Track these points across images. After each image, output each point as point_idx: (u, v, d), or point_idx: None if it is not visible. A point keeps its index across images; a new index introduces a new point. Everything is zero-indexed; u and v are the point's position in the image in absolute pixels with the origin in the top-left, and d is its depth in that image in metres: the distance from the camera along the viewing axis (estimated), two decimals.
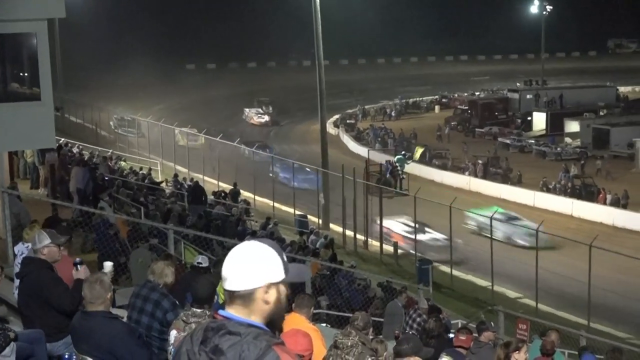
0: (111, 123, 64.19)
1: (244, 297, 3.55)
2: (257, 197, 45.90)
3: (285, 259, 3.64)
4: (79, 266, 8.75)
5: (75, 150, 40.80)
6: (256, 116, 79.05)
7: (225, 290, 3.59)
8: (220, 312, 3.59)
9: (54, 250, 8.92)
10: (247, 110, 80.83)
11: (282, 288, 3.63)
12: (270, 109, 79.54)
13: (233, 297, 3.57)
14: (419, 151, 50.67)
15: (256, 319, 3.55)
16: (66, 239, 9.67)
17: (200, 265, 13.11)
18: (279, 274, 3.59)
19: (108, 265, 9.35)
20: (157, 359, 7.54)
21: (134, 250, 17.83)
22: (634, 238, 41.42)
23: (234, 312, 3.56)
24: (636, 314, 29.40)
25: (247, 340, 3.43)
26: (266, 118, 78.60)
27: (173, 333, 7.43)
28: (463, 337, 11.36)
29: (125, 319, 8.58)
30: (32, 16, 19.10)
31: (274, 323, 3.62)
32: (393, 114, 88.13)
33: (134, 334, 7.38)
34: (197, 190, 35.01)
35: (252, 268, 3.54)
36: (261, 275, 3.55)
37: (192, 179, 41.93)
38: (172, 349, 7.31)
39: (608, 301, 31.47)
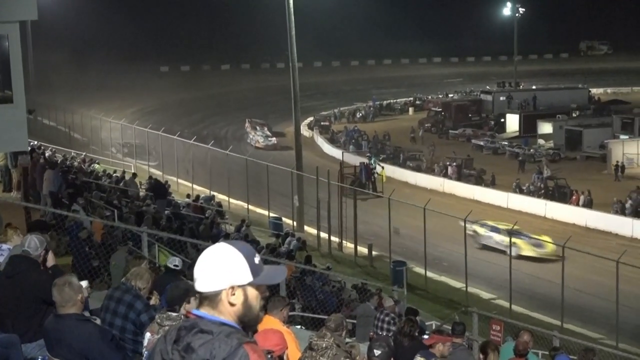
0: (113, 149, 58.58)
1: (210, 298, 3.61)
2: (231, 200, 45.84)
3: (255, 261, 3.66)
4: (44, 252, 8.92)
5: (47, 153, 40.61)
6: (262, 139, 70.51)
7: (196, 291, 3.66)
8: (194, 311, 3.64)
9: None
10: (252, 133, 72.59)
11: (251, 290, 3.66)
12: (266, 129, 73.59)
13: (202, 297, 3.64)
14: (383, 174, 51.18)
15: (227, 318, 3.60)
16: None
17: (174, 268, 13.05)
18: (244, 277, 3.62)
19: (83, 283, 9.31)
20: None
21: (113, 254, 17.74)
22: (606, 238, 41.75)
23: (205, 311, 3.61)
24: (608, 315, 29.60)
25: (219, 338, 3.47)
26: (274, 140, 69.94)
27: (147, 336, 7.41)
28: (437, 343, 11.31)
29: (98, 322, 8.55)
30: (4, 18, 18.97)
31: (247, 324, 3.66)
32: (359, 115, 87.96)
33: (107, 336, 7.34)
34: (158, 186, 36.19)
35: (216, 270, 3.60)
36: (224, 277, 3.60)
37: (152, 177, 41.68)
38: (146, 352, 7.28)
39: (581, 302, 31.70)
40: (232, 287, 3.61)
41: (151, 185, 37.75)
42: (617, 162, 58.28)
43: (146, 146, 55.94)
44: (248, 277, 3.63)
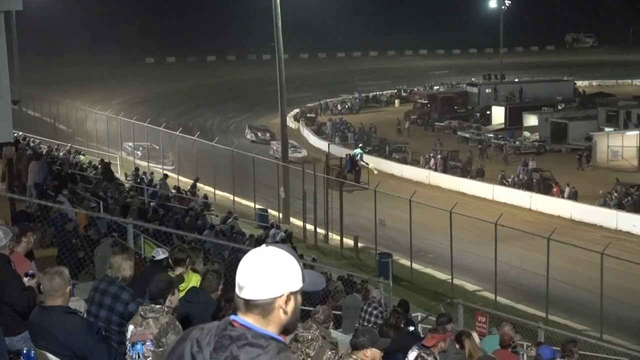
0: (122, 152, 55.62)
1: (263, 307, 3.36)
2: (217, 191, 45.81)
3: (300, 265, 3.47)
4: (29, 277, 8.68)
5: (32, 144, 40.47)
6: (290, 151, 56.65)
7: (240, 298, 3.39)
8: (239, 320, 3.39)
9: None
10: (274, 143, 61.55)
11: (299, 297, 3.46)
12: (268, 135, 68.13)
13: (250, 305, 3.36)
14: (373, 170, 50.92)
15: (272, 329, 3.38)
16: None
17: (157, 259, 12.96)
18: (298, 283, 3.42)
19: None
20: (116, 353, 7.48)
21: (98, 246, 17.69)
22: (591, 231, 41.92)
23: (250, 320, 3.37)
24: (593, 306, 29.73)
25: (270, 355, 3.25)
26: (304, 152, 61.32)
27: (130, 328, 7.39)
28: (429, 336, 11.34)
29: (84, 313, 8.53)
30: None
31: (286, 332, 3.46)
32: (343, 107, 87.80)
33: (92, 328, 7.32)
34: (107, 170, 37.22)
35: (275, 276, 3.36)
36: (283, 284, 3.37)
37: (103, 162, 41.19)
38: (129, 344, 7.27)
39: (566, 293, 31.83)
40: (289, 295, 3.39)
41: (102, 169, 37.97)
42: (581, 152, 59.76)
43: (159, 147, 54.02)
44: (300, 283, 3.43)
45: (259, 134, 69.47)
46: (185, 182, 46.35)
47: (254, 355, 3.23)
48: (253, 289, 3.35)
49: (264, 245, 3.46)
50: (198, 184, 44.56)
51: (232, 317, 3.40)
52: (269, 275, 3.34)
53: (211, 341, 3.31)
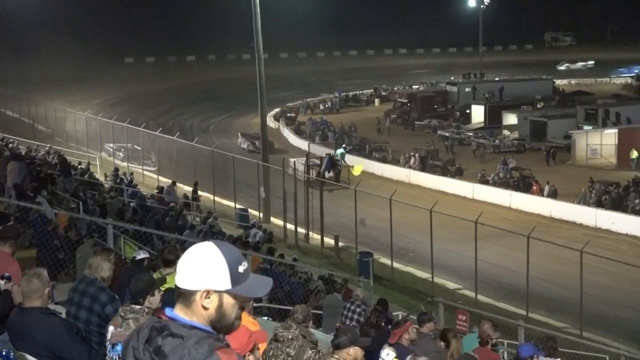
0: (103, 154, 54.73)
1: (185, 296, 3.48)
2: (197, 191, 45.67)
3: (239, 269, 3.50)
4: (5, 280, 8.55)
5: (10, 144, 40.24)
6: (302, 167, 49.92)
7: (175, 285, 3.56)
8: (166, 312, 3.52)
9: None
10: (292, 160, 51.89)
11: (227, 298, 3.50)
12: (257, 142, 59.66)
13: (178, 293, 3.51)
14: (358, 169, 50.17)
15: (196, 321, 3.47)
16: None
17: (138, 258, 12.94)
18: (222, 283, 3.46)
19: None
20: (96, 354, 7.45)
21: (79, 247, 17.61)
22: (570, 228, 42.13)
23: (178, 310, 3.49)
24: (573, 303, 29.86)
25: (189, 344, 3.34)
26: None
27: (110, 329, 7.37)
28: (391, 335, 11.34)
29: (63, 315, 8.48)
30: None
31: (219, 330, 3.52)
32: (324, 106, 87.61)
33: (72, 329, 7.29)
34: (64, 164, 36.39)
35: (195, 270, 3.46)
36: (202, 279, 3.45)
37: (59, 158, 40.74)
38: (109, 345, 7.25)
39: (546, 291, 31.94)
40: (208, 291, 3.46)
41: (59, 163, 37.78)
42: (549, 149, 60.54)
43: (141, 148, 53.15)
44: (226, 284, 3.47)
45: (256, 142, 61.61)
46: (165, 182, 46.18)
47: (175, 345, 3.36)
48: (179, 278, 3.51)
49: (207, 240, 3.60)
50: (178, 184, 44.46)
51: (165, 310, 3.55)
52: (191, 268, 3.48)
53: (146, 334, 3.45)
